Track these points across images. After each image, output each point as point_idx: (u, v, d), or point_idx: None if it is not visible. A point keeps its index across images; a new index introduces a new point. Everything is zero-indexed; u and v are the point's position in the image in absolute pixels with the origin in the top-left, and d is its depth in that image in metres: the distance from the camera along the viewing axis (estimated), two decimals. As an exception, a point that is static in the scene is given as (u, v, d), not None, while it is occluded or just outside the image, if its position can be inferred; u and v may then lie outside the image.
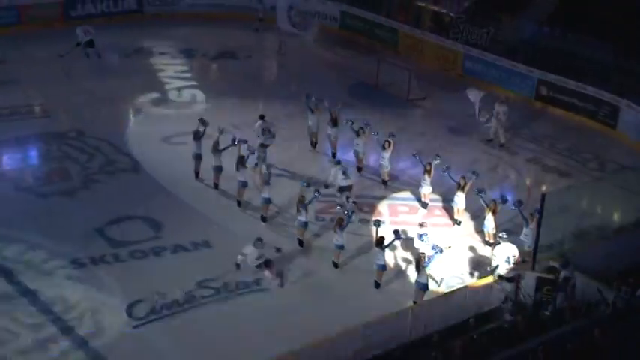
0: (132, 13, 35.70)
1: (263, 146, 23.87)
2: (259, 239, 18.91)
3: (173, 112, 27.31)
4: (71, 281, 18.76)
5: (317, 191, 20.75)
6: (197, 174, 23.28)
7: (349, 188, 21.62)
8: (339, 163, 22.47)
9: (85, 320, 17.51)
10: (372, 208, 22.20)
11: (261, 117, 24.75)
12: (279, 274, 18.91)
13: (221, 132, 23.18)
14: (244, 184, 21.98)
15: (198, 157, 23.17)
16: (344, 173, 21.86)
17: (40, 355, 16.57)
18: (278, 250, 19.32)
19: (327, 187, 21.99)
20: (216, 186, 22.84)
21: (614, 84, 27.24)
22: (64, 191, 22.59)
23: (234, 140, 22.54)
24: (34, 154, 25.05)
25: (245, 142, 22.52)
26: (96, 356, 16.48)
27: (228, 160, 22.30)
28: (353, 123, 24.11)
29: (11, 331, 17.08)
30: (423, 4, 33.22)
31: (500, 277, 18.36)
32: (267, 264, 18.68)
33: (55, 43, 30.75)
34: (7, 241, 19.81)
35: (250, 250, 18.66)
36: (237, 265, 18.84)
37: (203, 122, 23.71)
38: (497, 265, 18.47)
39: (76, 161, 24.19)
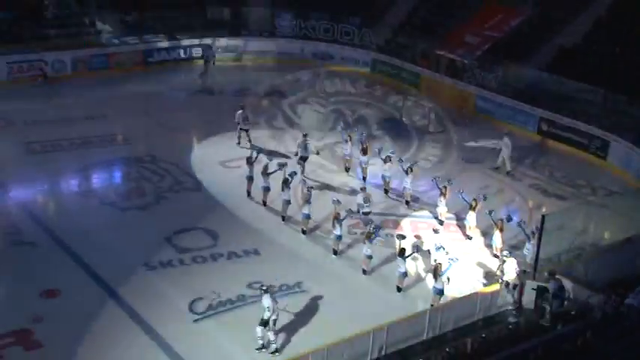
0: (199, 58, 35.72)
1: (302, 159, 24.34)
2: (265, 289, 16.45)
3: (229, 140, 27.15)
4: (143, 281, 18.83)
5: (350, 210, 20.65)
6: (249, 193, 23.21)
7: (369, 214, 21.50)
8: (364, 189, 22.38)
9: (154, 314, 17.50)
10: (396, 224, 22.02)
11: (304, 135, 24.99)
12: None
13: (269, 159, 23.27)
14: (288, 202, 21.87)
15: (250, 179, 23.11)
16: (366, 200, 21.76)
17: (114, 338, 16.67)
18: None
19: (358, 211, 21.73)
20: (264, 203, 22.71)
21: (604, 122, 26.99)
22: (140, 206, 22.76)
23: (280, 165, 22.55)
24: (116, 175, 25.33)
25: (286, 165, 22.53)
26: (161, 343, 16.57)
27: (275, 182, 22.18)
28: (381, 152, 23.93)
29: (95, 318, 17.24)
30: (442, 53, 33.09)
31: (507, 285, 18.01)
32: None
33: (136, 84, 30.91)
34: (94, 246, 19.93)
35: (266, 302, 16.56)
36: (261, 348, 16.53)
37: (255, 149, 23.80)
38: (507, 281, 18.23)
39: (149, 181, 24.36)
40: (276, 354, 16.25)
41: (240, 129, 26.78)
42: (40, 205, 23.01)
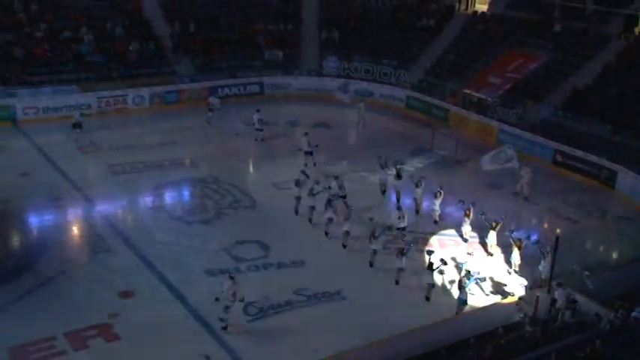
0: (256, 94, 36.01)
1: (308, 153, 26.83)
2: (231, 277, 17.38)
3: (281, 165, 27.23)
4: (205, 285, 18.86)
5: (385, 227, 20.56)
6: (297, 211, 23.18)
7: (404, 229, 21.36)
8: (400, 209, 22.18)
9: (213, 314, 17.49)
10: (425, 241, 21.78)
11: (306, 134, 27.38)
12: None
13: (316, 182, 23.29)
14: (331, 220, 21.80)
15: (298, 199, 23.14)
16: (401, 218, 21.58)
17: (179, 334, 16.80)
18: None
19: (389, 228, 21.58)
20: (310, 220, 22.62)
21: (613, 154, 26.54)
22: (203, 220, 22.85)
23: (324, 188, 22.60)
24: (183, 193, 25.41)
25: (330, 188, 22.61)
26: (219, 340, 16.69)
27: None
28: (413, 177, 23.92)
29: (164, 316, 17.38)
30: (468, 92, 32.89)
31: (520, 298, 17.90)
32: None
33: (202, 115, 31.25)
34: (164, 254, 20.13)
35: (227, 286, 17.16)
36: (217, 300, 17.33)
37: (304, 174, 23.84)
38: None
39: (212, 199, 24.47)
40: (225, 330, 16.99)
41: (305, 152, 27.02)
42: (120, 217, 23.26)
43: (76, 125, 27.33)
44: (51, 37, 33.59)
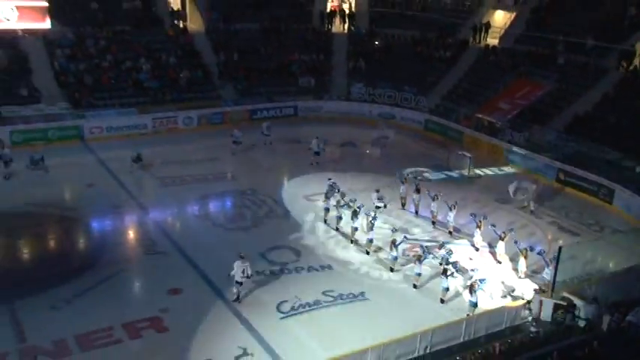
0: (290, 116, 36.14)
1: (316, 153, 28.46)
2: (241, 256, 18.03)
3: (311, 179, 27.20)
4: (242, 286, 18.56)
5: (405, 236, 20.49)
6: (325, 220, 23.19)
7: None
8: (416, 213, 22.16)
9: (251, 311, 17.62)
10: (441, 250, 21.43)
11: (317, 137, 28.46)
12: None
13: (342, 194, 23.28)
14: (355, 229, 21.78)
15: (326, 210, 23.16)
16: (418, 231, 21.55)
17: (220, 328, 16.82)
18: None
19: (407, 238, 21.48)
20: (337, 229, 22.61)
21: (610, 174, 26.24)
22: (242, 227, 22.90)
23: (350, 200, 22.61)
24: (225, 204, 25.44)
25: (355, 201, 22.50)
26: (255, 334, 16.70)
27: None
28: (430, 191, 23.80)
29: (207, 312, 17.37)
30: (481, 116, 32.72)
31: (528, 302, 17.76)
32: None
33: (244, 135, 31.40)
34: (207, 257, 20.21)
35: (237, 265, 17.88)
36: (229, 276, 18.04)
37: (332, 187, 23.85)
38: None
39: (250, 209, 24.50)
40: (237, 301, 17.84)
41: (314, 152, 28.21)
42: (169, 224, 23.40)
43: (137, 160, 26.94)
44: (115, 67, 34.14)
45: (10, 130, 28.86)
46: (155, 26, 37.45)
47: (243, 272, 17.91)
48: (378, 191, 24.04)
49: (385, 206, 23.72)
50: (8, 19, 20.30)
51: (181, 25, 38.41)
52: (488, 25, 38.66)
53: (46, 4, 19.67)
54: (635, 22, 33.18)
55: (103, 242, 21.57)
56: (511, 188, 25.56)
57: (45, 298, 17.79)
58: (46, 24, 20.83)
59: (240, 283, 18.01)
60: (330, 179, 24.63)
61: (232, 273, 17.92)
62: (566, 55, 33.97)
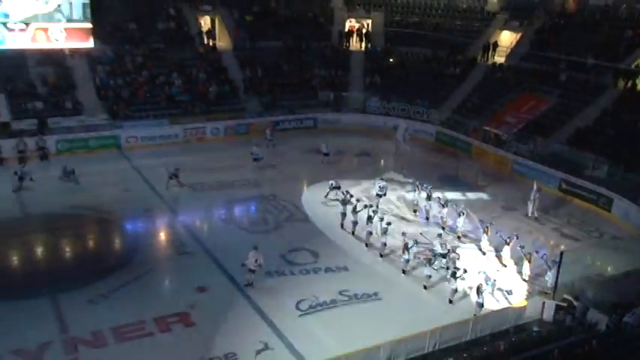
0: (310, 128, 36.15)
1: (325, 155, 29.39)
2: (255, 247, 18.72)
3: (330, 186, 27.17)
4: (265, 284, 18.96)
5: (416, 240, 20.43)
6: (342, 225, 23.14)
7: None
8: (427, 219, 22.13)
9: (271, 308, 17.60)
10: (450, 253, 21.24)
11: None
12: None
13: (357, 200, 23.29)
14: (370, 233, 21.76)
15: (343, 215, 23.10)
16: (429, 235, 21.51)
17: (243, 324, 16.84)
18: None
19: (418, 242, 21.43)
20: (352, 233, 22.58)
21: (609, 184, 26.05)
22: (264, 230, 22.91)
23: (365, 206, 22.58)
24: (249, 208, 25.42)
25: (370, 206, 22.53)
26: (275, 330, 16.73)
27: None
28: (440, 199, 23.82)
29: (231, 309, 17.42)
30: (488, 129, 32.56)
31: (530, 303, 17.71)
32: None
33: (266, 145, 31.53)
34: (232, 257, 20.10)
35: (251, 255, 18.54)
36: (243, 265, 18.66)
37: (348, 193, 23.88)
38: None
39: (271, 213, 24.52)
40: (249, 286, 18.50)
41: (323, 154, 28.71)
42: (198, 226, 23.46)
43: (174, 176, 26.16)
44: (150, 82, 34.44)
45: (56, 139, 29.36)
46: (187, 44, 37.73)
47: (256, 261, 18.48)
48: (382, 179, 24.07)
49: (385, 194, 24.13)
50: (57, 40, 20.81)
51: (211, 44, 38.66)
52: (495, 45, 38.59)
53: (90, 25, 20.10)
54: (631, 43, 33.24)
55: (136, 242, 21.78)
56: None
57: (84, 292, 18.01)
58: (90, 43, 21.28)
59: (253, 271, 18.54)
60: (331, 183, 25.35)
61: (246, 262, 18.38)
62: (568, 73, 33.83)
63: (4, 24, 20.01)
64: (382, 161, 31.82)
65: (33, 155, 28.25)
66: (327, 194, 25.54)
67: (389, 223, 21.58)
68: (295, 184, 27.95)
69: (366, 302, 18.38)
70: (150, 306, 17.50)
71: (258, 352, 15.74)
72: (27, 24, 20.54)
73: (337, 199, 23.71)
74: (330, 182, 25.70)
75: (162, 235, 22.93)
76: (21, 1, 20.12)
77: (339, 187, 25.18)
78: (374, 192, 25.02)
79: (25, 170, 24.89)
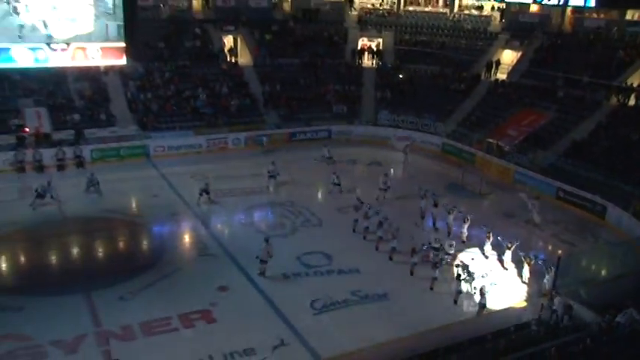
0: (325, 138, 35.85)
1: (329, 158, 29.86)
2: (266, 240, 19.45)
3: (343, 194, 27.11)
4: (282, 285, 19.00)
5: (423, 244, 20.43)
6: (354, 230, 23.13)
7: (438, 249, 20.91)
8: (435, 230, 22.21)
9: (288, 307, 17.75)
10: (455, 256, 21.34)
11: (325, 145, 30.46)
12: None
13: (369, 207, 23.31)
14: (380, 237, 21.78)
15: (355, 220, 23.15)
16: (436, 238, 21.39)
17: (260, 321, 16.95)
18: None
19: (429, 245, 21.41)
20: (364, 237, 22.58)
21: (603, 193, 25.84)
22: (281, 234, 22.84)
23: (376, 212, 22.64)
24: (267, 213, 25.31)
25: (381, 212, 22.52)
26: (291, 327, 16.84)
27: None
28: (446, 206, 23.85)
29: (249, 306, 17.51)
30: (491, 141, 32.44)
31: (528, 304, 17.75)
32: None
33: (284, 154, 31.63)
34: (251, 259, 20.16)
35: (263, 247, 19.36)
36: (257, 257, 19.41)
37: (360, 201, 23.91)
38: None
39: (288, 218, 24.53)
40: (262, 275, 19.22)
41: (327, 158, 29.52)
42: (219, 230, 23.54)
43: (204, 191, 25.15)
44: (177, 96, 34.74)
45: (91, 148, 29.75)
46: (211, 61, 38.04)
47: (267, 253, 19.18)
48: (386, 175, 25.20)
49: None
50: (94, 58, 21.32)
51: (233, 61, 38.98)
52: (497, 63, 38.51)
53: (124, 45, 20.56)
54: (622, 62, 33.45)
55: (163, 244, 21.95)
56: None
57: (115, 290, 18.25)
58: (123, 61, 21.69)
59: (266, 262, 19.26)
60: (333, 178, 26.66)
61: (260, 255, 19.26)
62: (565, 90, 33.74)
63: (49, 44, 20.51)
64: (392, 170, 31.76)
65: (70, 163, 28.72)
66: (331, 191, 26.64)
67: (397, 229, 21.60)
68: (310, 191, 27.99)
69: (376, 302, 18.38)
70: (175, 303, 17.64)
71: (275, 348, 15.80)
72: (68, 44, 20.99)
73: (371, 216, 23.11)
74: (332, 177, 26.73)
75: (187, 238, 23.08)
76: (64, 24, 20.63)
77: (339, 184, 26.06)
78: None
79: (47, 187, 24.17)
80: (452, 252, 20.93)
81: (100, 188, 25.71)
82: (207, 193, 25.21)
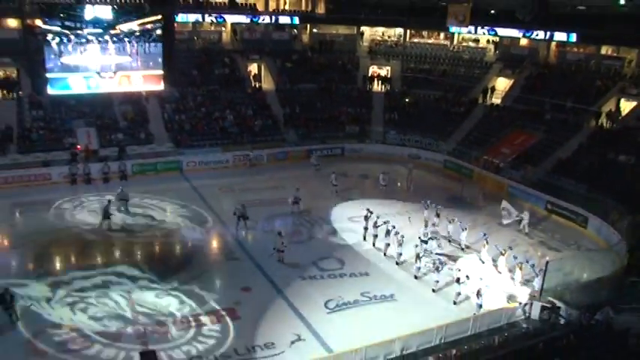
0: (338, 155, 36.00)
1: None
2: (279, 233, 20.47)
3: (354, 204, 27.11)
4: (299, 286, 19.09)
5: (425, 250, 20.39)
6: (364, 237, 23.15)
7: (440, 254, 20.98)
8: (437, 238, 22.13)
9: (304, 306, 17.77)
10: (454, 262, 21.39)
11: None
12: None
13: (378, 217, 23.27)
14: (388, 244, 21.76)
15: (365, 229, 23.14)
16: (439, 246, 21.46)
17: (279, 318, 17.00)
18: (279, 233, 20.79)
19: (431, 253, 21.42)
20: (373, 244, 22.58)
21: (585, 205, 25.86)
22: (299, 241, 22.91)
23: (384, 222, 22.56)
24: (286, 222, 25.10)
25: (389, 222, 22.48)
26: (307, 324, 16.92)
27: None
28: (447, 216, 23.78)
29: (270, 306, 17.59)
30: (487, 158, 32.30)
31: (520, 304, 17.63)
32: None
33: (301, 169, 31.59)
34: (272, 263, 20.42)
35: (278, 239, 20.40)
36: (274, 249, 20.47)
37: (369, 211, 23.84)
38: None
39: (305, 226, 24.49)
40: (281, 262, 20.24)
41: (314, 165, 29.67)
42: (244, 237, 23.46)
43: (241, 217, 23.45)
44: (207, 117, 35.09)
45: (132, 163, 30.15)
46: (238, 86, 38.39)
47: (282, 244, 20.36)
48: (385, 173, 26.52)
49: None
50: (136, 84, 21.93)
51: (257, 86, 39.40)
52: (492, 89, 38.62)
53: (162, 72, 21.13)
54: (599, 91, 34.00)
55: (194, 249, 22.10)
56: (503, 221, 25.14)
57: (152, 289, 18.51)
58: (161, 86, 22.24)
59: (282, 251, 20.38)
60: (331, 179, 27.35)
61: (276, 246, 20.36)
62: (552, 113, 33.97)
63: (99, 73, 21.17)
64: (399, 184, 31.72)
65: (114, 176, 29.15)
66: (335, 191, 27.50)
67: (403, 237, 21.59)
68: (325, 203, 27.92)
69: (383, 302, 18.41)
70: (203, 302, 17.80)
71: (293, 342, 15.91)
72: (115, 72, 21.61)
73: (380, 225, 22.76)
74: (331, 177, 27.80)
75: (215, 244, 23.17)
76: (113, 57, 21.35)
77: (336, 185, 27.35)
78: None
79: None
80: (439, 250, 21.02)
81: (129, 207, 24.78)
82: (245, 218, 23.45)
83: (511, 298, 18.89)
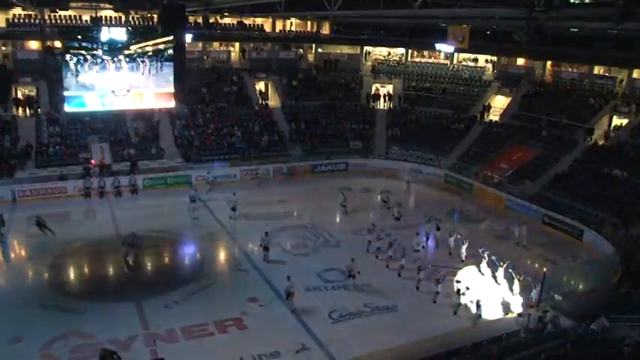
0: (343, 170, 36.10)
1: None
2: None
3: (357, 218, 27.25)
4: (304, 297, 19.05)
5: (429, 263, 20.40)
6: (367, 250, 23.02)
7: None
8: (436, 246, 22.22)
9: (308, 316, 17.72)
10: (454, 273, 21.34)
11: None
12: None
13: (381, 229, 23.31)
14: (390, 257, 21.77)
15: (369, 242, 23.17)
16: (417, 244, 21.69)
17: (283, 327, 16.98)
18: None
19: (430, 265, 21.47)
20: (377, 257, 22.60)
21: (581, 218, 25.91)
22: (304, 253, 22.97)
23: (387, 235, 22.61)
24: (292, 234, 25.09)
25: (392, 235, 22.55)
26: (310, 333, 16.91)
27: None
28: (447, 229, 23.78)
29: (275, 315, 17.56)
30: (486, 173, 32.38)
31: (519, 314, 17.54)
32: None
33: (306, 183, 31.88)
34: (277, 274, 20.36)
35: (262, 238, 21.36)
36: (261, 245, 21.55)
37: (373, 224, 23.94)
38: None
39: (310, 239, 24.59)
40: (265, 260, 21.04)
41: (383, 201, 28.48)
42: (250, 248, 23.46)
43: (265, 249, 22.85)
44: (216, 133, 35.36)
45: (143, 177, 30.42)
46: (245, 104, 38.77)
47: (265, 242, 21.45)
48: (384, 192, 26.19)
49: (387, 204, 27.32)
50: (148, 102, 22.39)
51: (264, 103, 39.74)
52: (490, 106, 38.91)
53: (173, 90, 21.53)
54: (592, 109, 34.34)
55: (202, 260, 22.19)
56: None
57: (161, 299, 18.60)
58: (171, 103, 22.51)
59: (267, 248, 21.45)
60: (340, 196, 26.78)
61: (262, 243, 21.40)
62: (548, 130, 34.16)
63: (113, 91, 21.73)
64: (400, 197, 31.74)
65: (126, 189, 29.39)
66: (343, 201, 27.37)
67: (405, 249, 21.62)
68: (330, 216, 28.01)
69: (385, 313, 18.39)
70: (211, 311, 17.85)
71: (297, 352, 15.91)
72: (128, 90, 22.11)
73: (382, 238, 23.13)
74: (340, 197, 27.51)
75: (222, 255, 23.26)
76: (127, 75, 21.89)
77: (345, 206, 27.03)
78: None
79: (43, 219, 23.30)
80: (452, 269, 20.84)
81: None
82: (234, 210, 26.10)
83: (509, 308, 18.89)
